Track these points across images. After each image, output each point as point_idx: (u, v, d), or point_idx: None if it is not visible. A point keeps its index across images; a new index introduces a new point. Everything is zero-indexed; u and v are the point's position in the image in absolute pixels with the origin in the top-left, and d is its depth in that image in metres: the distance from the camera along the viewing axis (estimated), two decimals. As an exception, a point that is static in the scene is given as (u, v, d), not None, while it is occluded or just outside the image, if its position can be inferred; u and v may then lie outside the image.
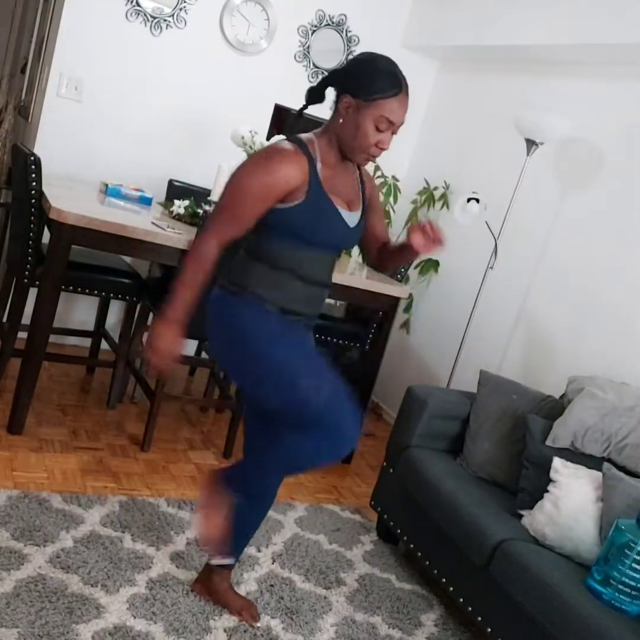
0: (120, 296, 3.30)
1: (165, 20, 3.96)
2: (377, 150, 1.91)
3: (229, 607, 2.25)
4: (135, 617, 2.14)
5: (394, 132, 1.91)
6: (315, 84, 2.00)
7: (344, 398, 2.00)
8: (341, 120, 1.88)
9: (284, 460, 1.99)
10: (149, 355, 1.94)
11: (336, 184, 1.96)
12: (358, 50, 4.39)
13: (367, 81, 1.84)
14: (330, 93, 1.96)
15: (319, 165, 1.91)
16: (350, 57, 4.20)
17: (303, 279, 1.99)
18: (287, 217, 1.90)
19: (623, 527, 2.13)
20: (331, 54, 4.36)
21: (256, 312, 1.96)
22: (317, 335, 3.61)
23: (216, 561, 2.22)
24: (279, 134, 3.60)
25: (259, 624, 2.25)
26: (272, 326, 1.97)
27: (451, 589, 2.52)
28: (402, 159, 4.71)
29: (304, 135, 1.95)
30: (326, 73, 1.93)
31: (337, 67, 1.94)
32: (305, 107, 2.01)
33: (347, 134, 1.89)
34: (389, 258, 2.20)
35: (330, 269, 2.09)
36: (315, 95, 1.98)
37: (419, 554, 2.71)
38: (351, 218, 2.00)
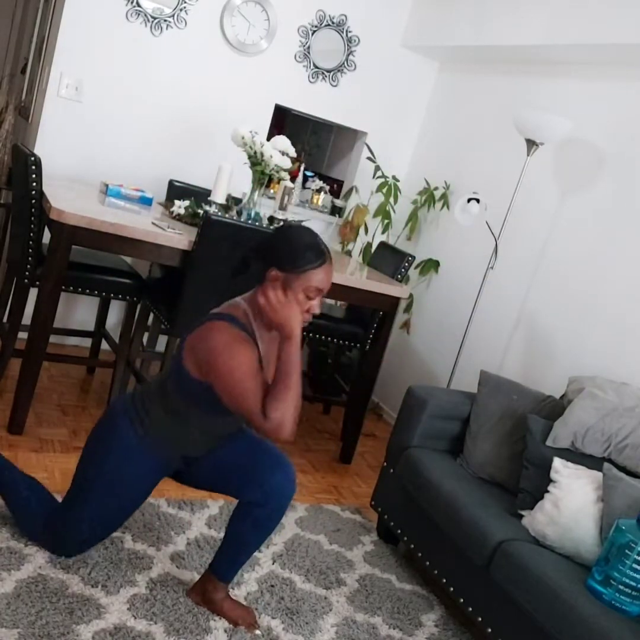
0: (120, 296, 3.30)
1: (165, 20, 3.96)
2: (308, 316, 2.01)
3: (226, 616, 2.24)
4: (135, 618, 2.14)
5: (322, 297, 2.02)
6: (239, 260, 2.09)
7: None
8: (264, 300, 1.98)
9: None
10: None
11: (269, 360, 2.08)
12: (358, 50, 4.40)
13: (293, 255, 1.96)
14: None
15: (260, 343, 2.03)
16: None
17: (210, 435, 2.18)
18: (213, 393, 1.99)
19: (623, 528, 2.13)
20: (331, 54, 4.36)
21: (136, 446, 2.14)
22: (317, 335, 3.62)
23: (257, 632, 2.27)
24: (279, 134, 3.60)
25: (258, 631, 2.24)
26: (134, 464, 2.16)
27: (451, 589, 2.52)
28: (403, 159, 4.71)
29: (238, 312, 2.01)
30: (250, 248, 2.06)
31: (261, 242, 2.06)
32: (233, 276, 2.10)
33: (274, 311, 1.97)
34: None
35: (240, 422, 2.22)
36: (240, 267, 2.09)
37: (420, 554, 2.71)
38: None
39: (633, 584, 2.09)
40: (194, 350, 2.00)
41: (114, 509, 2.23)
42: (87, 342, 4.06)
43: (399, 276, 3.79)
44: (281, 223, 3.38)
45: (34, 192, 3.00)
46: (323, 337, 3.64)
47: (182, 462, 2.24)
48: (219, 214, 3.19)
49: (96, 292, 3.24)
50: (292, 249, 1.97)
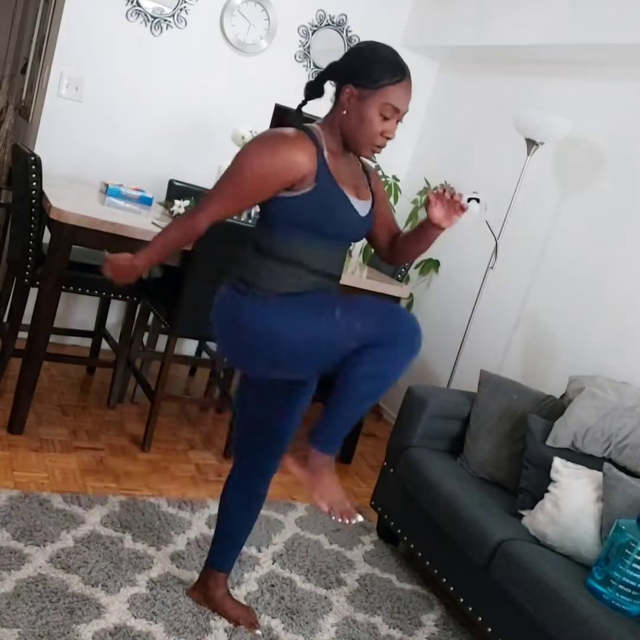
0: (120, 296, 3.30)
1: (165, 20, 3.96)
2: (383, 140, 1.84)
3: (226, 615, 2.24)
4: (135, 617, 2.14)
5: (399, 120, 1.84)
6: (313, 78, 1.93)
7: (382, 305, 1.87)
8: (344, 112, 1.83)
9: (372, 384, 1.84)
10: (105, 266, 1.94)
11: (343, 173, 1.88)
12: (358, 50, 4.39)
13: (370, 69, 1.79)
14: (329, 89, 1.91)
15: (326, 154, 1.84)
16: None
17: (314, 272, 1.90)
18: (295, 207, 1.81)
19: (623, 527, 2.13)
20: (331, 54, 4.34)
21: (267, 304, 1.86)
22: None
23: (356, 520, 1.91)
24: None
25: (258, 631, 2.24)
26: (285, 306, 1.86)
27: (451, 589, 2.52)
28: (403, 159, 4.71)
29: (307, 125, 1.89)
30: (326, 66, 1.89)
31: (335, 60, 1.90)
32: (304, 103, 1.95)
33: (351, 124, 1.82)
34: (408, 246, 2.04)
35: (341, 262, 1.98)
36: (314, 90, 1.92)
37: (420, 554, 2.71)
38: (362, 207, 1.93)
39: (633, 583, 2.09)
40: None
41: (323, 319, 1.85)
42: (87, 342, 4.06)
43: (399, 276, 3.78)
44: None
45: (34, 192, 3.00)
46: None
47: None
48: (219, 213, 3.19)
49: (96, 292, 3.24)
50: (368, 61, 1.80)
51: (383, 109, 1.79)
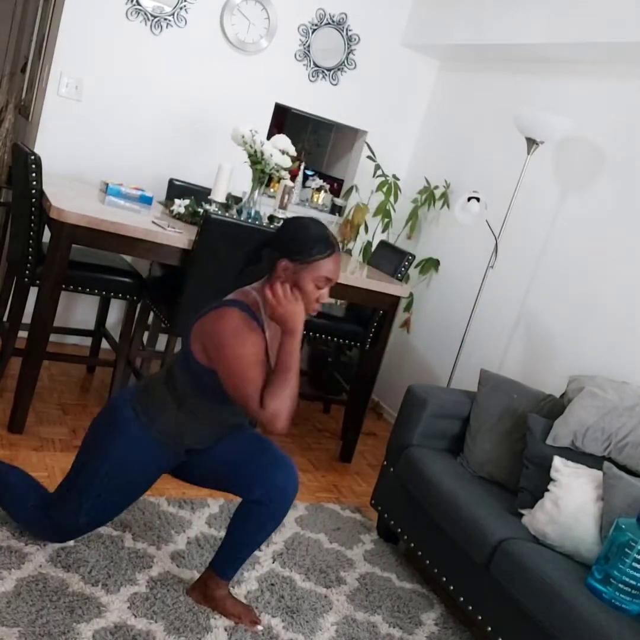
0: (120, 295, 3.30)
1: (165, 19, 3.96)
2: (318, 306, 2.07)
3: (227, 613, 2.25)
4: (136, 616, 2.14)
5: (330, 287, 2.07)
6: (251, 249, 2.13)
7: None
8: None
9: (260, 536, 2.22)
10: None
11: (275, 343, 2.09)
12: (358, 48, 4.39)
13: (303, 246, 2.01)
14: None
15: (267, 333, 2.07)
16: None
17: (215, 425, 2.19)
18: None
19: (623, 526, 2.13)
20: (331, 53, 4.36)
21: (140, 437, 2.15)
22: (317, 335, 3.62)
23: (259, 628, 2.28)
24: (279, 133, 3.60)
25: (260, 627, 2.25)
26: (139, 456, 2.17)
27: (451, 588, 2.52)
28: (403, 158, 4.71)
29: (249, 299, 2.04)
30: (261, 239, 2.13)
31: (271, 234, 2.14)
32: (242, 270, 2.14)
33: None
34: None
35: (244, 414, 2.20)
36: (252, 258, 2.13)
37: (420, 553, 2.71)
38: None
39: (633, 582, 2.09)
40: (202, 334, 2.03)
41: (114, 499, 2.23)
42: (87, 341, 4.06)
43: (399, 275, 3.79)
44: (285, 218, 3.37)
45: (34, 191, 3.00)
46: (323, 336, 3.64)
47: (185, 454, 2.25)
48: (219, 212, 3.19)
49: (96, 291, 3.24)
50: (302, 239, 2.02)
51: (318, 280, 2.02)
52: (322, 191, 4.75)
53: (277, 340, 2.10)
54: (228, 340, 1.96)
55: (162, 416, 2.14)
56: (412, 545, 2.75)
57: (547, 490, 2.47)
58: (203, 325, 2.03)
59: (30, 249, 3.09)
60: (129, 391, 2.23)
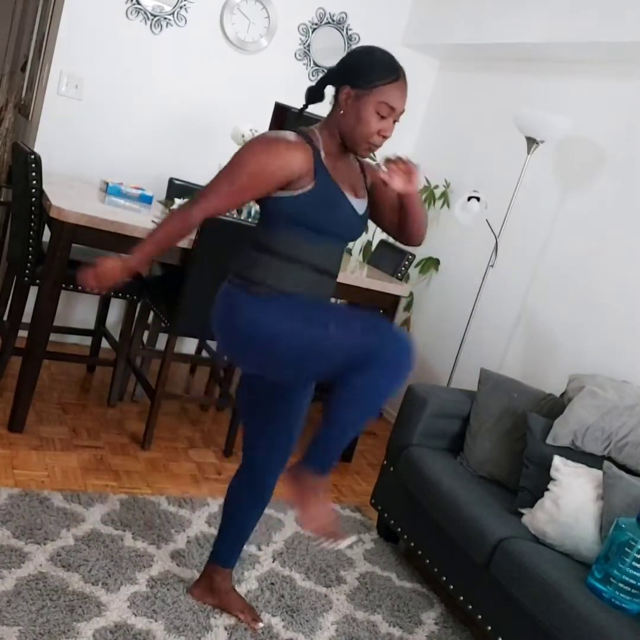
0: (120, 295, 3.30)
1: (165, 18, 3.96)
2: (380, 139, 1.88)
3: (231, 607, 2.25)
4: (136, 615, 2.14)
5: (395, 120, 1.89)
6: (314, 83, 1.99)
7: (378, 323, 1.89)
8: (342, 112, 1.87)
9: (359, 408, 1.87)
10: (85, 271, 1.91)
11: (342, 173, 1.94)
12: (358, 48, 4.39)
13: (366, 70, 1.85)
14: (330, 92, 1.95)
15: (322, 154, 1.89)
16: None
17: (313, 269, 1.94)
18: (293, 206, 1.86)
19: (623, 526, 2.13)
20: (332, 52, 4.36)
21: (265, 303, 1.89)
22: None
23: (345, 543, 1.88)
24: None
25: (260, 624, 2.25)
26: (283, 308, 1.89)
27: (451, 587, 2.52)
28: (403, 158, 4.71)
29: (304, 128, 1.93)
30: (325, 71, 1.94)
31: (335, 65, 1.96)
32: (305, 106, 2.01)
33: (348, 124, 1.87)
34: (405, 224, 2.05)
35: (339, 261, 2.02)
36: (314, 94, 1.98)
37: (420, 552, 2.71)
38: (359, 205, 1.97)
39: (633, 582, 2.09)
40: None
41: (320, 326, 1.87)
42: (87, 340, 4.06)
43: (399, 274, 3.78)
44: None
45: (34, 190, 3.00)
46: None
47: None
48: (219, 212, 3.19)
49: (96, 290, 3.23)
50: (365, 63, 1.87)
51: (379, 108, 1.84)
52: (322, 190, 4.75)
53: (350, 169, 1.96)
54: (250, 144, 1.84)
55: (269, 276, 1.90)
56: (412, 544, 2.75)
57: (547, 489, 2.48)
58: None
59: (30, 249, 3.09)
60: (226, 286, 1.97)
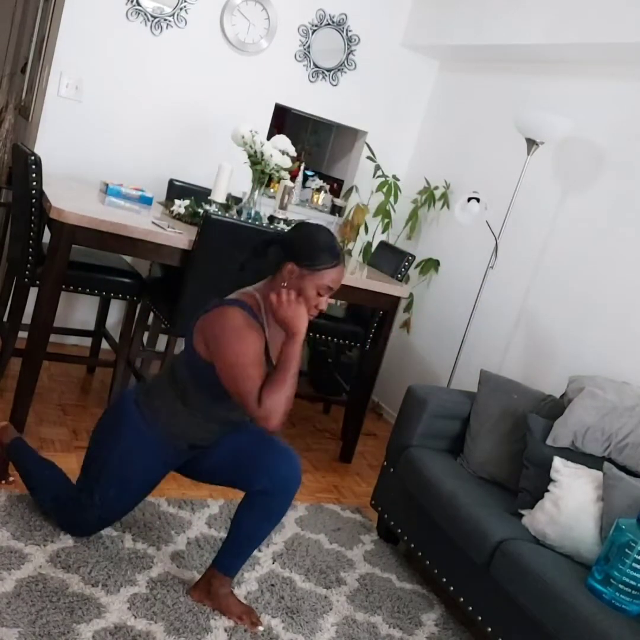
0: (120, 296, 3.30)
1: (165, 19, 3.96)
2: (316, 312, 2.11)
3: (229, 611, 2.25)
4: (135, 617, 2.14)
5: (330, 296, 2.13)
6: (259, 242, 2.16)
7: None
8: (284, 284, 2.07)
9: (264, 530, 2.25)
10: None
11: (276, 342, 2.14)
12: (358, 49, 4.39)
13: (312, 253, 2.06)
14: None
15: (267, 332, 2.11)
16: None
17: (216, 422, 2.23)
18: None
19: (623, 527, 2.13)
20: (331, 54, 4.36)
21: (145, 434, 2.21)
22: (317, 335, 3.62)
23: (260, 628, 2.26)
24: (279, 133, 3.60)
25: (260, 628, 2.25)
26: (147, 450, 2.23)
27: (451, 588, 2.52)
28: (403, 158, 4.71)
29: (251, 300, 2.09)
30: (271, 236, 2.19)
31: (282, 234, 2.22)
32: (248, 260, 2.17)
33: None
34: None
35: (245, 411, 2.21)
36: (259, 252, 2.17)
37: (420, 553, 2.71)
38: None
39: (633, 583, 2.09)
40: (204, 330, 2.08)
41: (123, 494, 2.29)
42: (87, 341, 4.05)
43: (399, 275, 3.79)
44: (294, 222, 3.39)
45: (34, 192, 3.00)
46: (323, 336, 3.64)
47: (190, 451, 2.28)
48: (219, 213, 3.19)
49: (96, 291, 3.24)
50: (311, 246, 2.08)
51: (320, 288, 2.08)
52: (322, 191, 4.75)
53: (278, 341, 2.13)
54: (229, 337, 2.00)
55: (165, 413, 2.20)
56: (412, 545, 2.75)
57: (547, 490, 2.47)
58: (205, 321, 2.08)
59: (30, 249, 3.09)
60: (132, 390, 2.28)
